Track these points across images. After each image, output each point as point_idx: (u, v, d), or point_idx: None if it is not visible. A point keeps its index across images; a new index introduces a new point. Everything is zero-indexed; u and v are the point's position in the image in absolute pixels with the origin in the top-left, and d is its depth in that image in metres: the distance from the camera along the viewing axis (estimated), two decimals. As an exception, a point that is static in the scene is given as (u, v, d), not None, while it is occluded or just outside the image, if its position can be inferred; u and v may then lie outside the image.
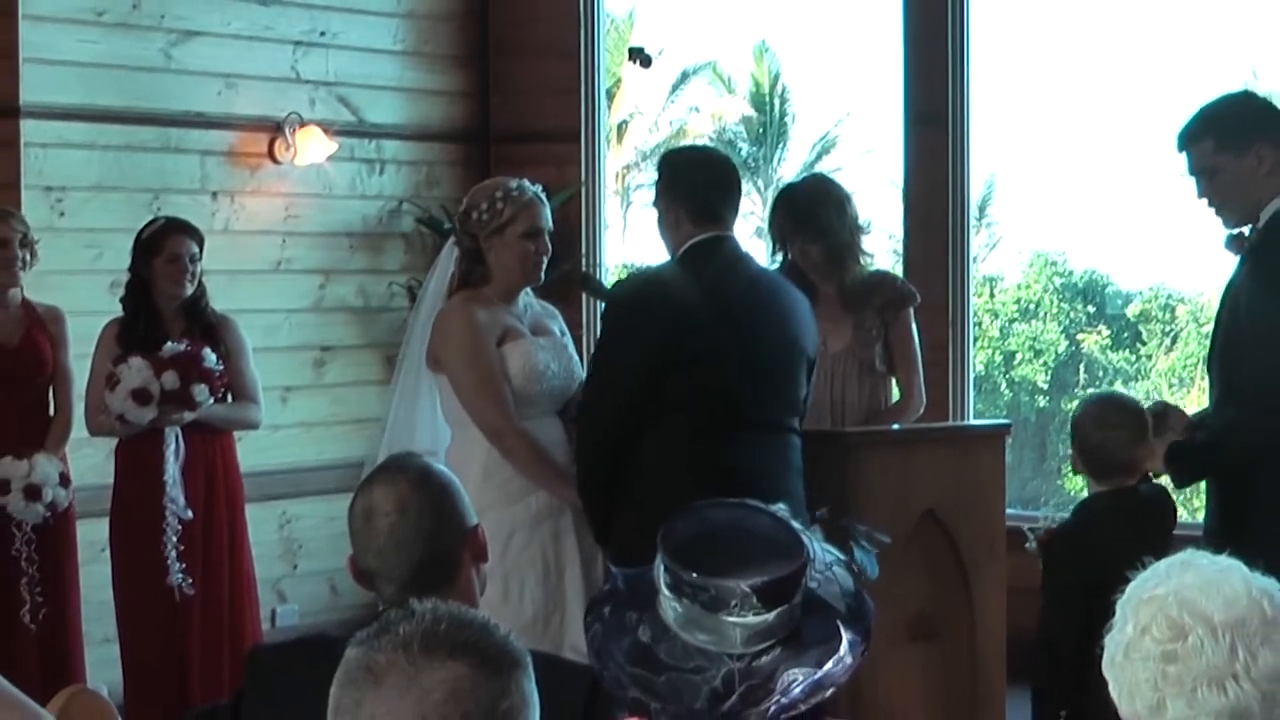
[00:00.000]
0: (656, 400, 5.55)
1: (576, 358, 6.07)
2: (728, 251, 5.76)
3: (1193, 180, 5.78)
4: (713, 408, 5.56)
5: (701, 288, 5.62)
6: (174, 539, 7.07)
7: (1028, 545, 5.68)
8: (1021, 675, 6.38)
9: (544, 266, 5.95)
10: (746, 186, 27.29)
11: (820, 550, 3.11)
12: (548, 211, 6.00)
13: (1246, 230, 5.66)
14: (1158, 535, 5.34)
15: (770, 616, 2.98)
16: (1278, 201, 5.61)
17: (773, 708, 2.96)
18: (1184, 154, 5.84)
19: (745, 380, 5.59)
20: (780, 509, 3.15)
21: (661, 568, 3.02)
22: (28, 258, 7.28)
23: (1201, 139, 5.71)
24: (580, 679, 3.36)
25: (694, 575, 2.98)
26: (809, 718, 3.02)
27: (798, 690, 2.97)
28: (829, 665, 2.99)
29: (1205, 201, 5.80)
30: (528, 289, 6.02)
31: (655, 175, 6.00)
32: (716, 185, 5.81)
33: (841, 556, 3.17)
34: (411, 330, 6.22)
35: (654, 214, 5.87)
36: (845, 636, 3.02)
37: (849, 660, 3.00)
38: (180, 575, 7.06)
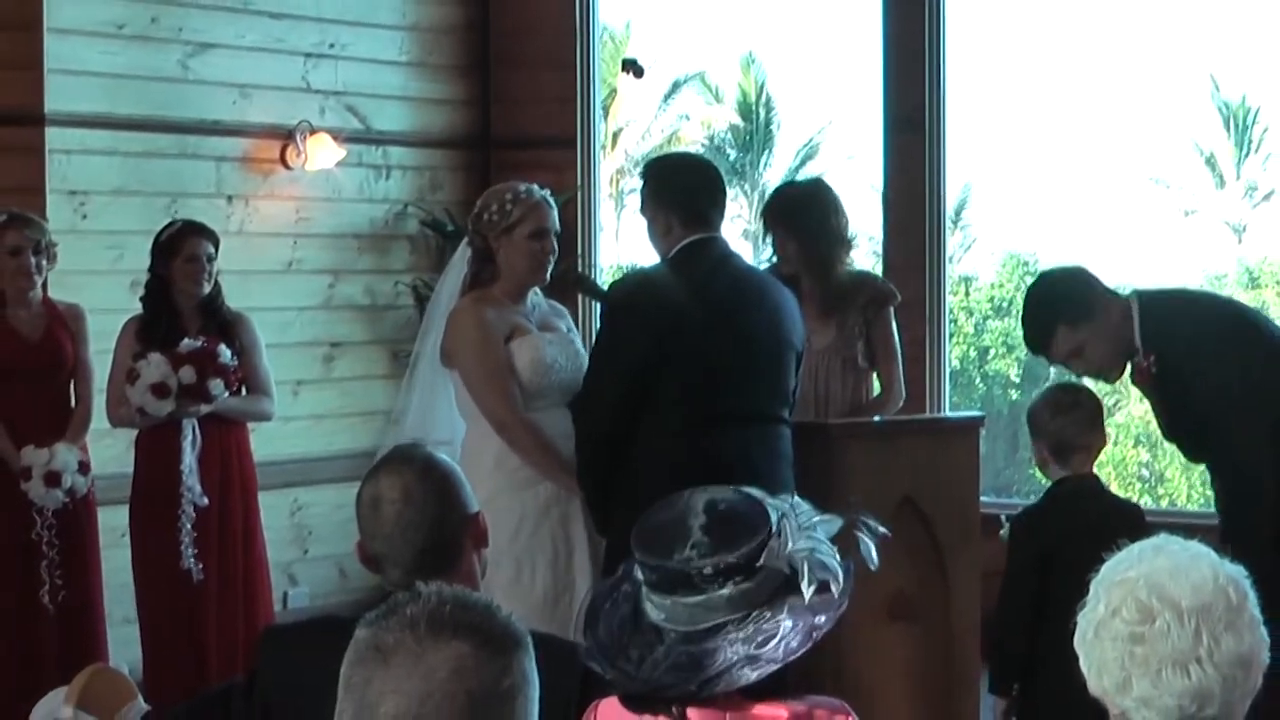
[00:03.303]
0: (651, 395, 5.54)
1: (583, 352, 6.05)
2: (717, 251, 5.76)
3: (1066, 367, 5.78)
4: (705, 401, 5.55)
5: (693, 286, 5.62)
6: (189, 525, 7.07)
7: (1002, 532, 5.68)
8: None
9: (550, 266, 5.95)
10: (733, 191, 27.36)
11: (798, 536, 3.11)
12: (555, 214, 5.99)
13: (1147, 363, 5.65)
14: (1115, 534, 5.32)
15: (724, 593, 2.99)
16: (1136, 331, 5.63)
17: (711, 678, 2.97)
18: (1044, 355, 5.84)
19: (736, 374, 5.59)
20: (761, 494, 3.16)
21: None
22: (44, 263, 7.27)
23: (1053, 331, 5.70)
24: (577, 658, 3.36)
25: (646, 556, 3.01)
26: (771, 687, 3.03)
27: (734, 665, 2.97)
28: (769, 646, 2.99)
29: (1084, 376, 5.81)
30: (536, 288, 6.02)
31: (641, 184, 5.97)
32: (703, 189, 5.80)
33: (826, 543, 3.16)
34: (425, 328, 6.22)
35: (643, 222, 5.85)
36: (787, 621, 3.00)
37: (794, 644, 2.99)
38: (193, 560, 7.06)
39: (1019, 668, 5.45)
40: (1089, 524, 5.29)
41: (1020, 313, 5.94)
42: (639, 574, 3.08)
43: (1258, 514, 5.50)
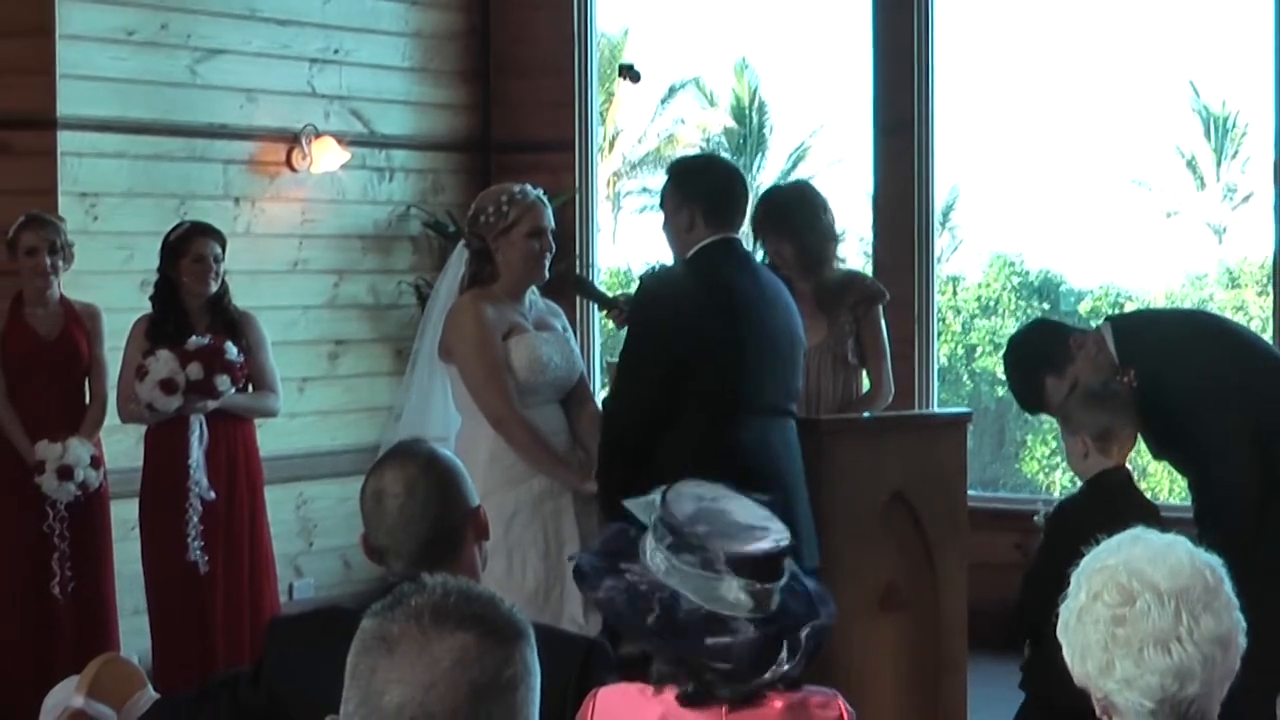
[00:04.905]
0: (678, 391, 5.54)
1: (578, 351, 6.07)
2: (736, 252, 5.77)
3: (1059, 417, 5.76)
4: (727, 396, 5.56)
5: (716, 286, 5.63)
6: (196, 519, 7.07)
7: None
8: (982, 644, 6.39)
9: (548, 264, 5.95)
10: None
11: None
12: (550, 213, 5.99)
13: (1128, 378, 5.65)
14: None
15: (755, 588, 2.99)
16: (1114, 353, 5.66)
17: (797, 660, 2.98)
18: (1044, 411, 5.88)
19: (756, 370, 5.61)
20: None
21: (661, 520, 3.02)
22: (60, 262, 7.28)
23: (1042, 386, 5.71)
24: (575, 649, 3.36)
25: (726, 545, 2.97)
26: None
27: (809, 640, 2.99)
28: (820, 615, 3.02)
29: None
30: (533, 287, 6.02)
31: (665, 180, 5.92)
32: (729, 190, 5.81)
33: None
34: (424, 326, 6.22)
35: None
36: (786, 643, 3.00)
37: (786, 666, 2.99)
38: (198, 552, 7.06)
39: (1032, 628, 5.39)
40: (1124, 519, 5.23)
41: (1006, 381, 5.98)
42: (660, 543, 3.01)
43: (1235, 514, 5.46)
